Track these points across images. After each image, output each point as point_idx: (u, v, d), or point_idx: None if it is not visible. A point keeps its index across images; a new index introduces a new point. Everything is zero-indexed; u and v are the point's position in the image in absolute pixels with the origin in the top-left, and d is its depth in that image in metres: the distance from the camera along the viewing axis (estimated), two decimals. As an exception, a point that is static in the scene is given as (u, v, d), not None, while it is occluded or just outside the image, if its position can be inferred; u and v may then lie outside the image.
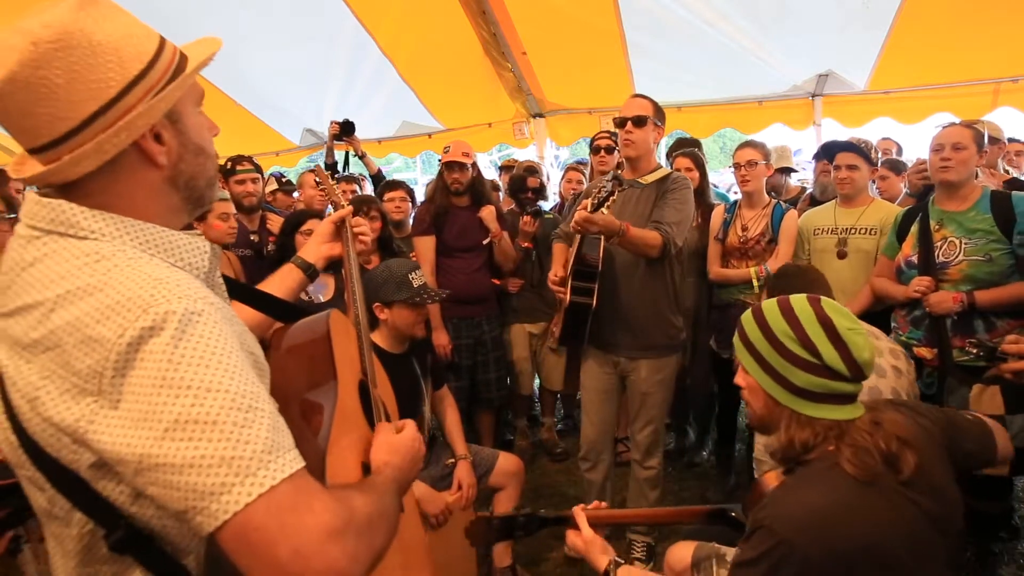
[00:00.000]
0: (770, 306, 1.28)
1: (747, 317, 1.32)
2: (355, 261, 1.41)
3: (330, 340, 1.12)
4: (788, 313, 1.24)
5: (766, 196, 3.14)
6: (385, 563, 0.78)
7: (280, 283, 1.29)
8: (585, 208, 2.20)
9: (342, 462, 1.00)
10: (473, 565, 2.51)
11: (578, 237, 2.39)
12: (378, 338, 2.38)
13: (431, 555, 2.16)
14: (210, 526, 0.65)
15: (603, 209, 2.16)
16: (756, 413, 1.29)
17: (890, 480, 1.15)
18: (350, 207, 1.45)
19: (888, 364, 2.04)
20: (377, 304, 2.34)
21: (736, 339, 1.34)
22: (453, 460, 2.48)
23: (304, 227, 2.90)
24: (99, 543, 0.75)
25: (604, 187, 2.14)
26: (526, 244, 3.56)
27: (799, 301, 1.25)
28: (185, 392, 0.66)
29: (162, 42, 0.79)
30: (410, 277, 2.33)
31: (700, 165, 3.33)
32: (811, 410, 1.20)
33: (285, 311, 1.19)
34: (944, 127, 2.48)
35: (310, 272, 1.35)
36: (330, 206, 1.69)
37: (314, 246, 1.40)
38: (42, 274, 0.72)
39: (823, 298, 1.25)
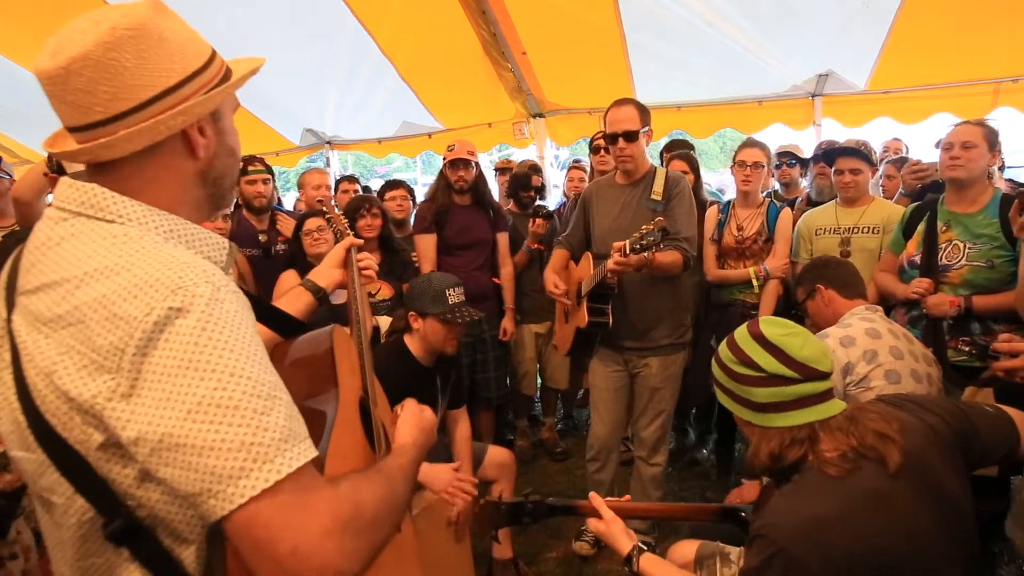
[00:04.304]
0: (722, 345, 1.36)
1: (712, 363, 1.40)
2: (359, 287, 1.45)
3: (332, 354, 1.13)
4: (731, 343, 1.34)
5: (760, 196, 3.14)
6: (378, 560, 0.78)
7: (290, 305, 1.32)
8: (619, 251, 2.21)
9: (339, 473, 0.99)
10: (471, 566, 2.51)
11: (599, 266, 2.41)
12: (411, 343, 2.40)
13: (419, 550, 2.16)
14: (223, 510, 0.66)
15: (644, 254, 2.17)
16: (751, 447, 1.32)
17: (882, 480, 1.15)
18: (359, 240, 1.50)
19: (924, 370, 2.05)
20: (412, 313, 2.37)
21: (714, 386, 1.40)
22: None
23: (304, 228, 2.92)
24: (96, 533, 0.75)
25: (648, 234, 2.12)
26: (535, 245, 3.58)
27: (740, 330, 1.34)
28: (209, 375, 0.67)
29: (214, 52, 0.86)
30: (447, 293, 2.34)
31: (695, 167, 3.35)
32: (781, 420, 1.24)
33: (293, 328, 1.20)
34: (956, 125, 2.46)
35: (320, 295, 1.39)
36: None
37: (325, 270, 1.45)
38: (69, 253, 0.74)
39: (762, 318, 1.34)
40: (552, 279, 2.71)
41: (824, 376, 1.25)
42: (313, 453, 0.72)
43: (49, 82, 0.75)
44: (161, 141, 0.79)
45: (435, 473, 2.22)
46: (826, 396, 1.25)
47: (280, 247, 3.32)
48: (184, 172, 0.83)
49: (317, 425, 1.00)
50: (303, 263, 2.94)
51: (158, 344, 0.67)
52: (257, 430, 0.67)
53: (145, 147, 0.78)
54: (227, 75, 0.86)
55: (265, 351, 0.75)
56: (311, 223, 2.92)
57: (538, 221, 3.53)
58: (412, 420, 1.07)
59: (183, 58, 0.80)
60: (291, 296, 1.36)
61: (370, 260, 1.53)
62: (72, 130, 0.78)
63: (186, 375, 0.67)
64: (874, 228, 2.83)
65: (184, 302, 0.69)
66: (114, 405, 0.67)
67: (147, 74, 0.76)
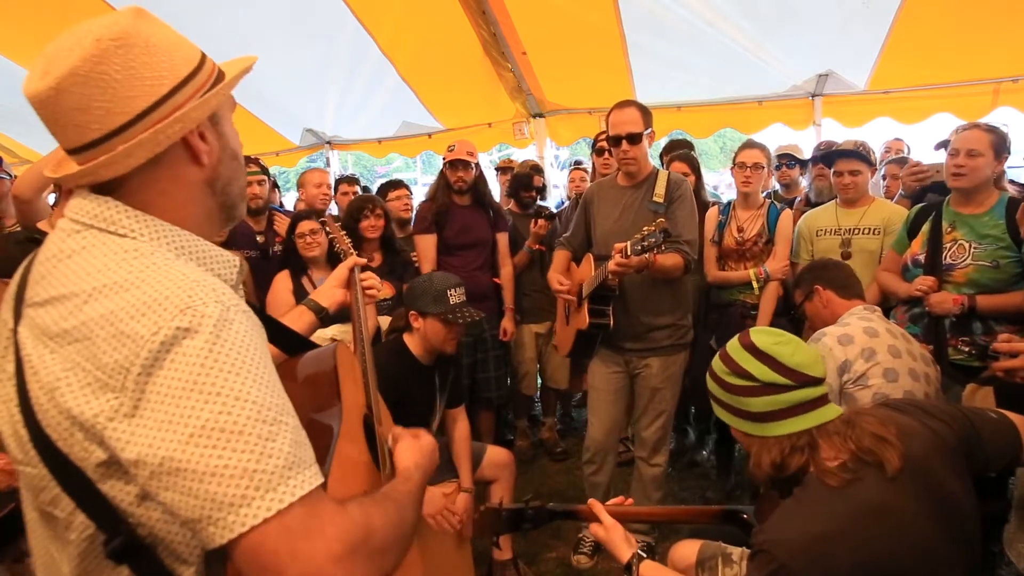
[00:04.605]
0: (715, 359, 1.37)
1: (707, 378, 1.40)
2: (363, 306, 1.45)
3: (336, 372, 1.13)
4: (723, 355, 1.35)
5: (760, 197, 3.14)
6: None
7: (292, 323, 1.31)
8: (621, 252, 2.20)
9: (343, 490, 0.99)
10: (470, 567, 2.51)
11: (600, 267, 2.41)
12: (411, 342, 2.40)
13: (419, 550, 2.16)
14: (222, 538, 0.64)
15: (645, 255, 2.17)
16: (752, 458, 1.32)
17: (883, 490, 1.15)
18: (362, 260, 1.50)
19: (922, 370, 2.05)
20: (413, 312, 2.37)
21: (711, 400, 1.40)
22: (455, 481, 2.47)
23: (297, 230, 2.92)
24: (96, 550, 0.73)
25: (649, 236, 2.11)
26: (536, 246, 3.58)
27: (732, 342, 1.35)
28: (215, 399, 0.65)
29: (204, 54, 0.84)
30: (448, 293, 2.34)
31: (696, 168, 3.35)
32: (779, 429, 1.25)
33: (298, 345, 1.20)
34: (965, 129, 2.40)
35: (322, 315, 1.39)
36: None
37: (328, 290, 1.44)
38: (79, 266, 0.72)
39: (752, 328, 1.35)
40: (556, 277, 2.72)
41: (818, 382, 1.26)
42: (319, 480, 0.70)
43: (41, 105, 0.73)
44: (163, 152, 0.77)
45: (429, 496, 2.23)
46: (821, 401, 1.26)
47: (277, 248, 3.32)
48: (191, 182, 0.82)
49: (321, 443, 0.99)
50: (297, 264, 2.94)
51: (164, 364, 0.66)
52: (261, 456, 0.65)
53: (147, 160, 0.76)
54: (220, 77, 0.84)
55: (275, 373, 0.73)
56: (304, 226, 2.92)
57: (540, 222, 3.54)
58: (411, 445, 1.05)
59: (172, 64, 0.77)
60: (293, 315, 1.36)
61: (374, 280, 1.53)
62: (72, 152, 0.77)
63: (190, 397, 0.65)
64: (875, 229, 2.83)
65: (192, 322, 0.67)
66: (115, 425, 0.66)
67: (139, 84, 0.74)
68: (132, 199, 0.77)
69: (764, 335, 1.31)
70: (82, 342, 0.68)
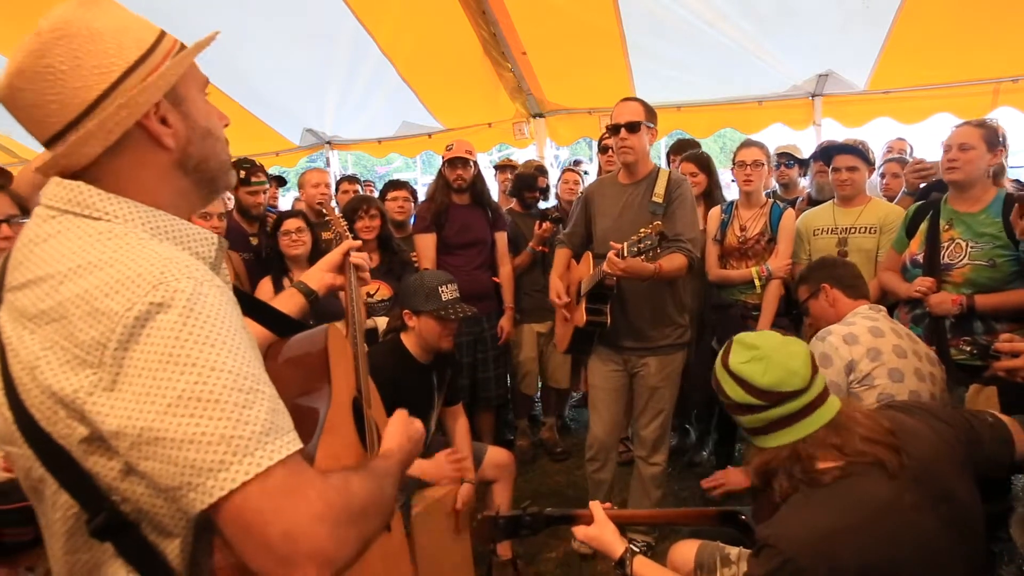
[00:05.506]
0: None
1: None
2: (356, 289, 1.44)
3: (327, 353, 1.13)
4: (712, 374, 1.36)
5: (763, 196, 3.14)
6: (367, 559, 0.79)
7: (281, 306, 1.31)
8: (618, 252, 2.19)
9: (331, 469, 0.99)
10: (470, 566, 2.51)
11: (599, 266, 2.40)
12: (407, 341, 2.41)
13: (419, 550, 2.17)
14: (203, 503, 0.66)
15: (641, 257, 2.15)
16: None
17: (889, 488, 1.16)
18: (357, 242, 1.48)
19: (927, 370, 2.05)
20: (407, 311, 2.38)
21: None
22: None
23: (281, 228, 2.92)
24: (81, 529, 0.75)
25: (647, 238, 2.10)
26: (539, 247, 3.58)
27: (718, 359, 1.36)
28: (190, 369, 0.67)
29: (162, 33, 0.82)
30: (440, 290, 2.35)
31: (706, 167, 3.33)
32: (767, 442, 1.28)
33: (287, 326, 1.20)
34: (956, 127, 2.47)
35: (312, 298, 1.38)
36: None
37: (319, 273, 1.43)
38: (54, 249, 0.74)
39: (736, 337, 1.34)
40: (556, 287, 2.72)
41: (795, 395, 1.23)
42: (298, 445, 0.71)
43: (6, 106, 0.76)
44: (125, 139, 0.77)
45: (428, 465, 2.25)
46: (806, 412, 1.24)
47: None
48: (160, 165, 0.82)
49: (309, 423, 0.99)
50: (279, 264, 2.94)
51: (139, 339, 0.67)
52: (238, 423, 0.67)
53: (108, 148, 0.76)
54: (180, 53, 0.83)
55: (251, 344, 0.75)
56: (290, 223, 2.92)
57: (545, 224, 3.54)
58: (400, 428, 1.06)
59: (120, 49, 0.76)
60: (283, 298, 1.36)
61: (364, 259, 1.51)
62: (46, 146, 0.78)
63: (167, 369, 0.66)
64: (871, 228, 2.84)
65: (165, 297, 0.68)
66: (95, 399, 0.68)
67: (87, 73, 0.75)
68: (104, 184, 0.78)
69: (739, 352, 1.30)
70: (59, 321, 0.70)
